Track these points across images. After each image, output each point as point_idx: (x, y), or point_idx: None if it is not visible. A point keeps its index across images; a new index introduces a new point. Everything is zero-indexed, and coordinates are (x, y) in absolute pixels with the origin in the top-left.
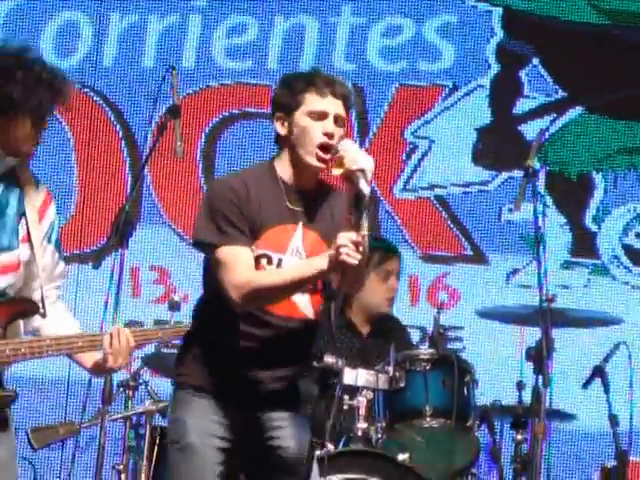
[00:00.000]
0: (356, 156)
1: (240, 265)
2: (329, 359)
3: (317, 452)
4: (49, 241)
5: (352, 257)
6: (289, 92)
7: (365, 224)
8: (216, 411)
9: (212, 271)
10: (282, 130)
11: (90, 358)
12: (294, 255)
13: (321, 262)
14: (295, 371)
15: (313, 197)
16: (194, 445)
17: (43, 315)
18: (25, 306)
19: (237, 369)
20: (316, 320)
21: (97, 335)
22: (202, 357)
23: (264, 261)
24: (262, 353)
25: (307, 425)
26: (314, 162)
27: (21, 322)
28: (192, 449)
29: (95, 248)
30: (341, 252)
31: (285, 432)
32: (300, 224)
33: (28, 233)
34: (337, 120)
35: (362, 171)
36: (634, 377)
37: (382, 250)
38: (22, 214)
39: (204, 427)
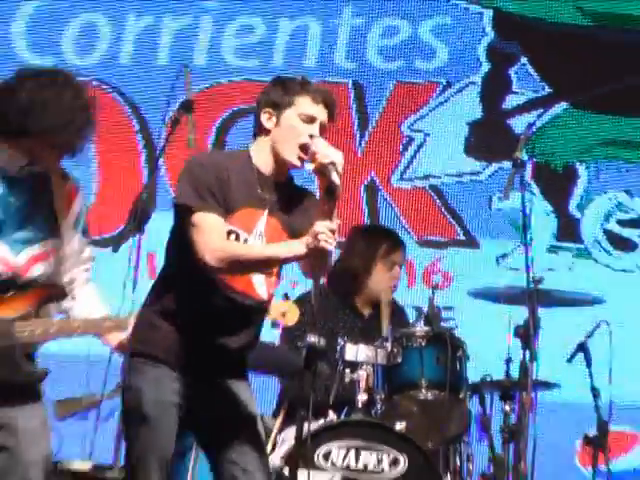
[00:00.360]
0: (327, 151)
1: (216, 231)
2: (312, 339)
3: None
4: (76, 229)
5: (329, 243)
6: (283, 91)
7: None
8: (170, 379)
9: (183, 236)
10: (268, 123)
11: (115, 338)
12: (257, 238)
13: (299, 246)
14: (244, 345)
15: (282, 189)
16: (150, 413)
17: (72, 297)
18: (54, 291)
19: (193, 340)
20: (268, 302)
21: (123, 317)
22: (160, 327)
23: (232, 237)
24: (218, 326)
25: (251, 391)
26: (294, 159)
27: (51, 305)
28: (148, 417)
29: (114, 234)
30: (319, 238)
31: (237, 393)
32: (266, 211)
33: (57, 224)
34: (321, 126)
35: (333, 164)
36: (614, 353)
37: (390, 242)
38: (51, 207)
39: (159, 396)
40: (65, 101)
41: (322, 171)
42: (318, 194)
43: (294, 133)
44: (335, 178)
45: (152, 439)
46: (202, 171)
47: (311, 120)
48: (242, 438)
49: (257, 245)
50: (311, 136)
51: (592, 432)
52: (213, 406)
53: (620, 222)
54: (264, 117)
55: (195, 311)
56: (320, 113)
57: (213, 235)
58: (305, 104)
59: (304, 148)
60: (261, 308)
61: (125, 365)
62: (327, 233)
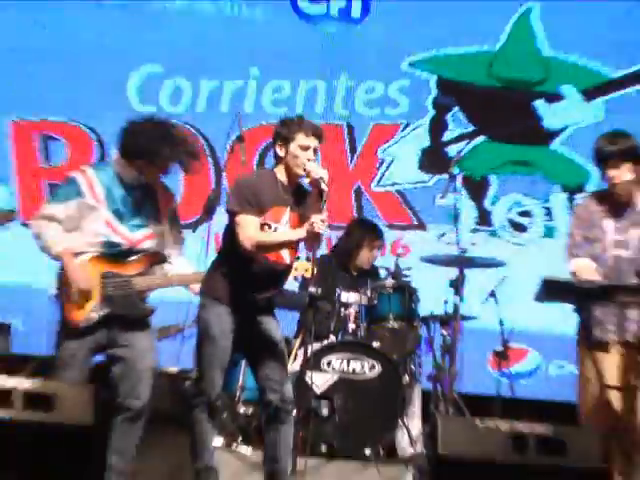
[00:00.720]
0: (317, 170)
1: (251, 227)
2: (312, 289)
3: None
4: (172, 220)
5: (322, 229)
6: (287, 131)
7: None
8: (227, 314)
9: (232, 230)
10: (281, 153)
11: (196, 287)
12: (284, 225)
13: (301, 232)
14: (275, 293)
15: (295, 192)
16: (214, 336)
17: (169, 263)
18: (158, 258)
19: (241, 290)
20: (291, 265)
21: (200, 274)
22: (222, 281)
23: (267, 227)
24: (258, 282)
25: (278, 322)
26: (300, 174)
27: (156, 267)
28: (213, 338)
29: (193, 220)
30: (314, 226)
31: (268, 326)
32: (288, 207)
33: (159, 216)
34: (314, 150)
35: (321, 178)
36: (512, 296)
37: (374, 233)
38: (156, 205)
39: (220, 325)
40: (166, 138)
41: (314, 183)
42: (314, 197)
43: (299, 159)
44: (323, 187)
45: (215, 353)
46: (242, 188)
47: (306, 149)
48: (271, 357)
49: (275, 233)
50: (305, 160)
51: (499, 348)
52: (252, 334)
53: (518, 213)
54: (278, 148)
55: (242, 272)
56: (312, 142)
57: (249, 229)
58: (301, 138)
59: (304, 168)
60: (287, 269)
61: (200, 304)
62: (319, 223)
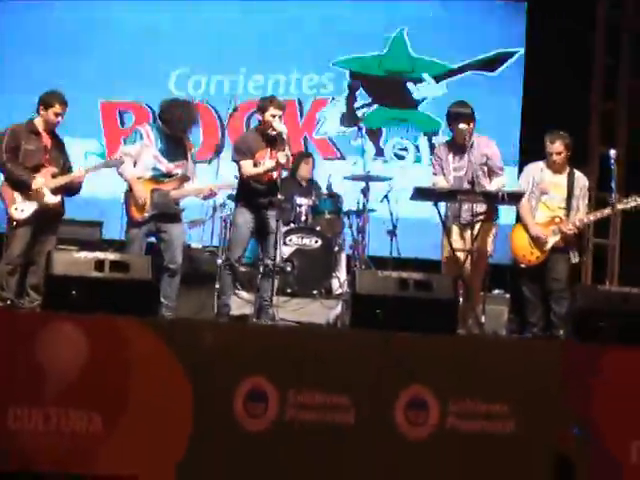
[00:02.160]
0: (280, 127)
1: (247, 167)
2: (279, 196)
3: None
4: (192, 158)
5: (284, 160)
6: (263, 105)
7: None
8: (247, 212)
9: (239, 169)
10: (260, 118)
11: (199, 196)
12: (267, 160)
13: (274, 163)
14: (271, 197)
15: (270, 141)
16: (240, 224)
17: (192, 181)
18: (185, 179)
19: (253, 197)
20: (276, 179)
21: (208, 186)
22: (242, 195)
23: (259, 163)
24: (261, 191)
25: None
26: (272, 132)
27: (185, 184)
28: (238, 225)
29: (208, 158)
30: (279, 159)
31: (268, 219)
32: (267, 149)
33: (186, 155)
34: (280, 116)
35: (282, 132)
36: (397, 199)
37: (306, 156)
38: (184, 149)
39: (243, 218)
40: (187, 111)
41: (279, 134)
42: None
43: (269, 122)
44: (284, 137)
45: (238, 235)
46: (239, 144)
47: (274, 115)
48: (270, 236)
49: (260, 167)
50: (272, 121)
51: (389, 228)
52: (261, 223)
53: (399, 149)
54: (258, 115)
55: (252, 189)
56: (277, 112)
57: (246, 169)
58: (271, 109)
59: (273, 127)
60: (275, 182)
61: (234, 209)
62: (282, 157)
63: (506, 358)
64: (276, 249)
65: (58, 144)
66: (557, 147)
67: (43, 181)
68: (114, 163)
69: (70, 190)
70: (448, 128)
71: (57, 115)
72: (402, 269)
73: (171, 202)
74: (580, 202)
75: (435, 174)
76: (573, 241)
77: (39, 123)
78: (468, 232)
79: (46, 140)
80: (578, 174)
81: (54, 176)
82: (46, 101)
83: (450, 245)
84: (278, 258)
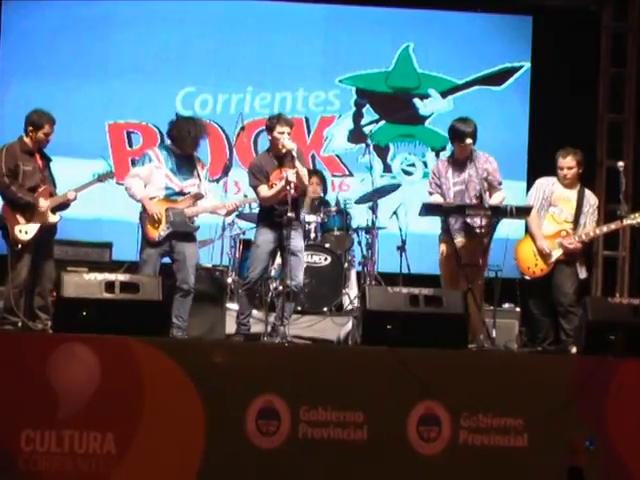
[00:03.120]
0: (289, 144)
1: (263, 191)
2: (290, 214)
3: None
4: (205, 177)
5: (293, 177)
6: (271, 123)
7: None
8: (269, 232)
9: (257, 195)
10: (269, 137)
11: (221, 211)
12: (282, 180)
13: (284, 182)
14: (294, 215)
15: (280, 159)
16: (260, 243)
17: (205, 198)
18: (198, 197)
19: (272, 217)
20: (293, 196)
21: (221, 204)
22: (262, 215)
23: (274, 184)
24: (281, 212)
25: (301, 236)
26: (281, 148)
27: (197, 202)
28: (259, 244)
29: (217, 177)
30: (288, 177)
31: (292, 234)
32: (279, 169)
33: (197, 174)
34: (288, 133)
35: (293, 149)
36: (406, 215)
37: (318, 177)
38: (195, 167)
39: (263, 238)
40: (195, 127)
41: (288, 152)
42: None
43: (279, 141)
44: (294, 154)
45: (259, 253)
46: (253, 169)
47: (283, 133)
48: (297, 257)
49: (272, 189)
50: (282, 139)
51: (399, 244)
52: (281, 243)
53: (407, 165)
54: (267, 133)
55: (272, 209)
56: (286, 129)
57: (262, 193)
58: (279, 127)
59: (282, 144)
60: (293, 201)
61: (255, 229)
62: (290, 175)
63: (518, 372)
64: (301, 270)
65: (47, 163)
66: (568, 162)
67: (48, 203)
68: (105, 177)
69: (60, 209)
70: (451, 144)
71: (47, 135)
72: (412, 285)
73: (187, 220)
74: (588, 219)
75: (431, 193)
76: (579, 256)
77: (29, 142)
78: (473, 244)
79: (39, 160)
80: (588, 192)
81: (51, 195)
82: (36, 122)
83: (456, 258)
84: (301, 280)
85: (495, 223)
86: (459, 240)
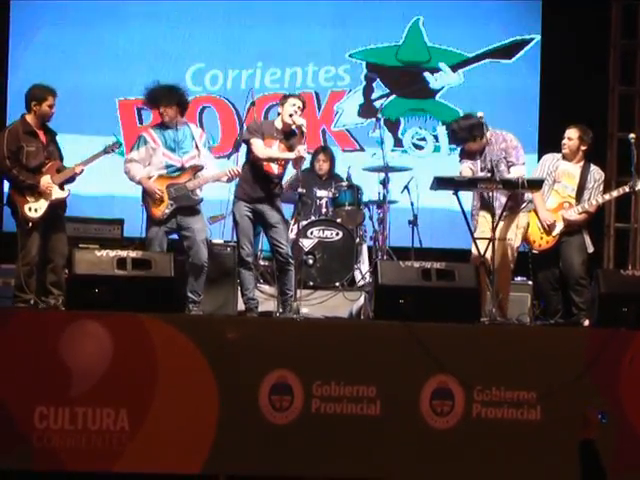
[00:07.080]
0: (298, 120)
1: (259, 145)
2: (300, 190)
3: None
4: (204, 147)
5: (304, 154)
6: (284, 97)
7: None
8: (242, 205)
9: (249, 150)
10: (280, 110)
11: (223, 178)
12: (275, 149)
13: (292, 154)
14: (272, 190)
15: (286, 133)
16: (238, 220)
17: (205, 169)
18: (198, 169)
19: (253, 190)
20: (278, 174)
21: (223, 171)
22: (241, 188)
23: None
24: (262, 184)
25: (280, 208)
26: (289, 122)
27: (198, 173)
28: (238, 220)
29: (227, 153)
30: (299, 152)
31: (273, 212)
32: (277, 140)
33: (197, 145)
34: (298, 108)
35: (302, 124)
36: (417, 189)
37: (322, 153)
38: (193, 137)
39: (239, 212)
40: (160, 86)
41: (298, 127)
42: (298, 136)
43: (289, 112)
44: (303, 129)
45: (242, 228)
46: (251, 126)
47: (294, 105)
48: (277, 228)
49: (276, 151)
50: (293, 114)
51: (410, 218)
52: (264, 216)
53: (417, 139)
54: (278, 108)
55: (250, 181)
56: (298, 102)
57: (258, 146)
58: (290, 102)
59: (291, 118)
60: (275, 177)
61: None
62: (302, 151)
63: (531, 346)
64: (286, 239)
65: (52, 137)
66: (569, 133)
67: (49, 178)
68: (111, 148)
69: (68, 182)
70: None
71: (51, 107)
72: (424, 259)
73: (189, 193)
74: (592, 194)
75: (462, 162)
76: (585, 228)
77: (32, 120)
78: (501, 223)
79: (42, 137)
80: (594, 168)
81: (59, 170)
82: (38, 95)
83: (471, 234)
84: (288, 250)
85: (520, 200)
86: (484, 215)
